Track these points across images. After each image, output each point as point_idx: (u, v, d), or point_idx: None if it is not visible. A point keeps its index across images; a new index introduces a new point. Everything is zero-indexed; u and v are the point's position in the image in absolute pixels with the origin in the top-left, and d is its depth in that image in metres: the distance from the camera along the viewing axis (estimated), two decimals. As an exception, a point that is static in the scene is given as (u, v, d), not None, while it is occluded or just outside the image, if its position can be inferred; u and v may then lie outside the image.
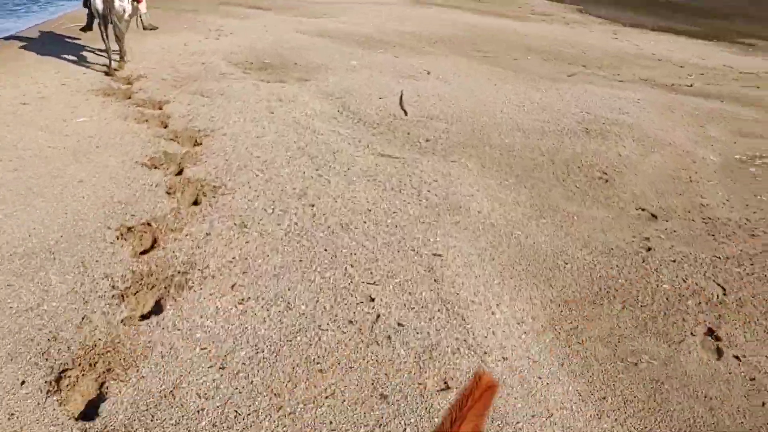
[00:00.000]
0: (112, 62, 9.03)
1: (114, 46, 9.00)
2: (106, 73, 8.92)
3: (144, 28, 11.19)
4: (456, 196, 5.20)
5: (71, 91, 7.63)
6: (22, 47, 10.67)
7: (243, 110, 7.19)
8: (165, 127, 6.51)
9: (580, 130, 7.05)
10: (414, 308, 3.76)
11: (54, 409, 2.90)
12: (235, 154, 5.79)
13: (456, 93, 8.37)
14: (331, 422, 2.90)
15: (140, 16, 10.77)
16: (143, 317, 3.60)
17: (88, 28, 9.78)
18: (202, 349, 3.31)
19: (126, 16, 9.12)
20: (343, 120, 7.06)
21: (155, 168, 5.42)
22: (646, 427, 3.08)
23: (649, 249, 4.72)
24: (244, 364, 3.22)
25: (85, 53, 10.13)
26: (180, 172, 5.36)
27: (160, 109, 7.13)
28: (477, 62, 10.46)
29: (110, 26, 8.83)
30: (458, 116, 7.38)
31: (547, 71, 10.12)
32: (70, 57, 9.77)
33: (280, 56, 10.20)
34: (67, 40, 11.39)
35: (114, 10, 8.78)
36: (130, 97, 7.58)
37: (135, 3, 9.68)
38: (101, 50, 9.52)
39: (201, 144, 6.03)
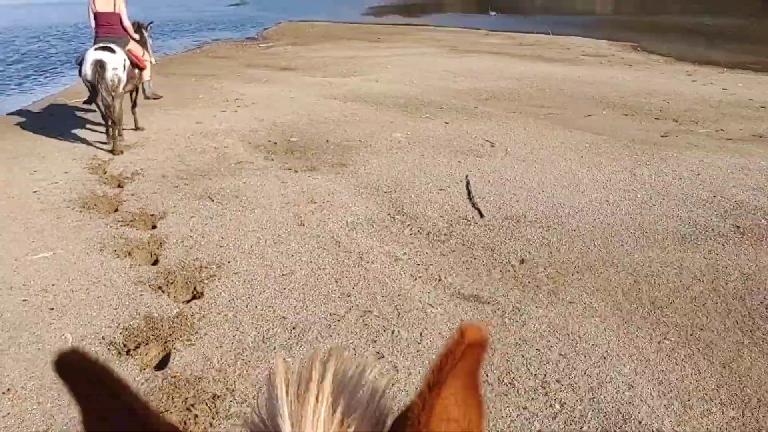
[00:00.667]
0: (110, 142, 7.59)
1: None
2: (111, 151, 7.49)
3: (146, 98, 9.53)
4: (607, 396, 3.10)
5: (41, 205, 5.79)
6: (8, 128, 9.03)
7: (263, 224, 5.25)
8: (154, 264, 4.58)
9: (729, 230, 4.95)
10: None
11: None
12: (251, 316, 3.82)
13: (537, 175, 6.35)
14: None
15: (142, 86, 9.09)
16: None
17: (90, 100, 8.00)
18: None
19: (121, 88, 7.47)
20: (397, 231, 5.07)
21: (127, 354, 3.47)
22: None
23: None
24: None
25: (81, 133, 8.45)
26: (163, 364, 3.39)
27: (153, 228, 5.23)
28: (545, 124, 8.46)
29: (104, 96, 7.18)
30: (552, 214, 5.34)
31: (635, 131, 8.07)
32: (61, 140, 8.07)
33: (308, 133, 8.33)
34: (66, 116, 9.74)
35: (104, 82, 7.11)
36: (116, 209, 5.70)
37: (136, 70, 8.01)
38: (102, 126, 7.87)
39: (201, 295, 4.08)
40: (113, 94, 7.24)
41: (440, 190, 5.99)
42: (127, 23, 7.94)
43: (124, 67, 7.47)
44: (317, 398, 0.51)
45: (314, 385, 0.51)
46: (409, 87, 11.35)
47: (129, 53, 7.80)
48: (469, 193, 5.85)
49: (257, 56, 16.65)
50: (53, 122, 9.46)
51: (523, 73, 12.34)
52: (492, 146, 7.45)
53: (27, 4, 58.52)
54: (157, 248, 4.81)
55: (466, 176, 6.29)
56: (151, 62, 8.91)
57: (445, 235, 5.00)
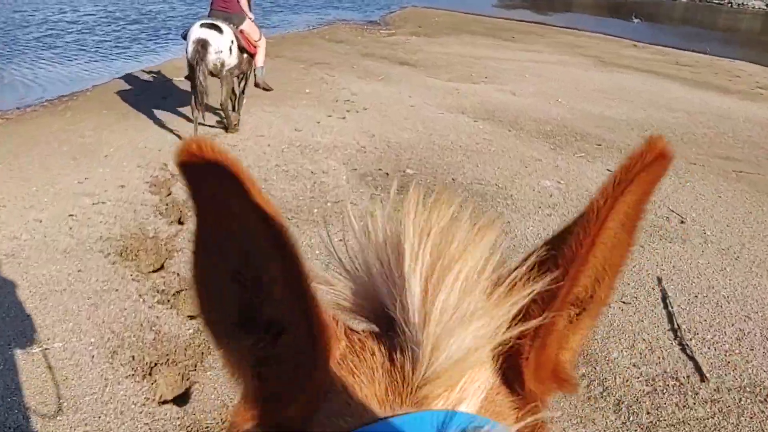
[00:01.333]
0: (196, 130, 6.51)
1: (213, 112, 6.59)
2: (225, 129, 6.78)
3: (256, 85, 7.95)
4: None
5: (68, 241, 4.20)
6: (89, 105, 7.67)
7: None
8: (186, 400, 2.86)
9: None
10: None
11: None
12: None
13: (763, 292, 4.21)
14: None
15: (254, 71, 7.48)
16: None
17: (189, 78, 6.70)
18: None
19: (225, 70, 6.40)
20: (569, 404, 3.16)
21: None
22: None
23: None
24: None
25: (165, 120, 6.95)
26: None
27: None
28: (742, 190, 6.18)
29: (200, 81, 5.93)
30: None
31: None
32: (135, 132, 6.57)
33: (430, 163, 6.42)
34: (155, 95, 8.31)
35: (204, 65, 6.11)
36: (162, 266, 4.04)
37: (244, 55, 6.72)
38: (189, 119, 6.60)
39: None
40: (220, 76, 6.35)
41: (623, 303, 3.95)
42: (245, 4, 6.86)
43: (231, 50, 6.34)
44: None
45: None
46: (553, 107, 9.22)
47: (241, 35, 6.64)
48: (670, 318, 3.79)
49: (376, 44, 14.85)
50: (139, 102, 8.03)
51: (691, 105, 9.90)
52: (682, 222, 5.30)
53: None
54: (201, 361, 3.07)
55: (659, 281, 4.22)
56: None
57: (639, 412, 2.99)
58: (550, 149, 7.19)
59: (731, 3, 41.57)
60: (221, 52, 6.20)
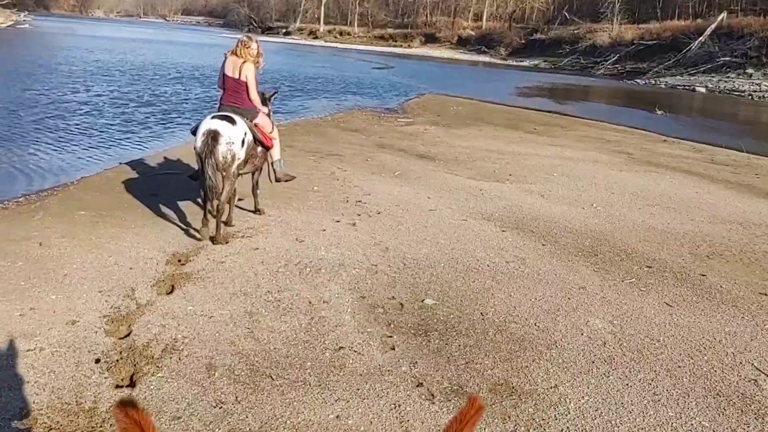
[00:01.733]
0: (202, 230, 6.00)
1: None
2: (211, 240, 5.94)
3: (277, 180, 7.11)
4: None
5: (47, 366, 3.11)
6: (72, 202, 6.71)
7: None
8: None
9: None
10: None
11: None
12: None
13: None
14: None
15: (271, 165, 6.80)
16: None
17: (195, 176, 6.47)
18: None
19: (234, 166, 5.88)
20: None
21: None
22: None
23: None
24: None
25: (153, 224, 5.94)
26: None
27: None
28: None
29: (210, 175, 5.64)
30: None
31: None
32: (110, 241, 5.55)
33: (453, 290, 5.31)
34: (146, 190, 7.37)
35: (213, 157, 5.61)
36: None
37: (259, 149, 6.43)
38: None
39: None
40: (223, 173, 5.79)
41: None
42: (255, 95, 6.38)
43: (243, 142, 5.88)
44: None
45: None
46: (590, 215, 8.16)
47: (255, 128, 6.26)
48: None
49: (393, 134, 14.06)
50: (123, 201, 7.09)
51: (745, 216, 8.79)
52: (777, 388, 4.11)
53: (186, 42, 60.58)
54: None
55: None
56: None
57: None
58: (594, 272, 6.07)
59: (752, 95, 41.17)
60: (233, 143, 5.70)
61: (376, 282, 5.36)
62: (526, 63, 69.71)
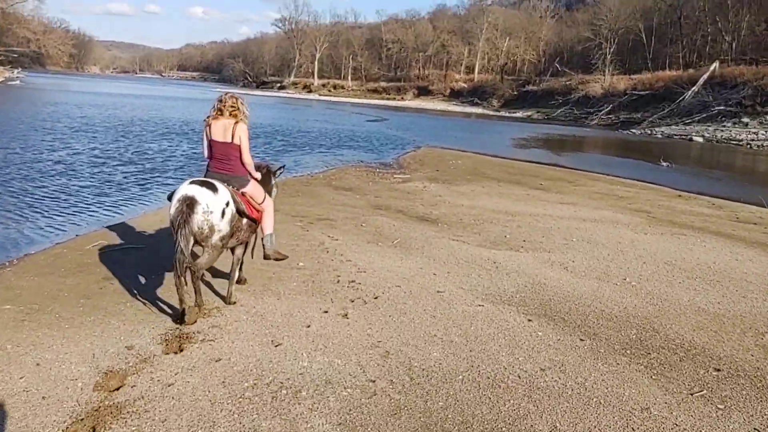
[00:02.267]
0: (182, 305, 5.04)
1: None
2: (181, 317, 5.03)
3: (266, 257, 6.25)
4: None
5: None
6: (14, 287, 5.31)
7: None
8: None
9: None
10: None
11: None
12: None
13: None
14: None
15: (261, 240, 6.15)
16: None
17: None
18: None
19: (214, 239, 5.09)
20: None
21: None
22: None
23: None
24: None
25: (76, 337, 4.52)
26: None
27: None
28: None
29: (181, 248, 4.78)
30: None
31: None
32: (25, 357, 4.14)
33: (476, 420, 3.90)
34: (100, 273, 5.99)
35: (186, 227, 4.82)
36: None
37: (244, 220, 5.51)
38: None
39: None
40: (202, 244, 5.04)
41: None
42: (248, 158, 5.62)
43: (224, 213, 5.05)
44: None
45: None
46: (626, 293, 6.82)
47: (242, 197, 5.44)
48: None
49: (389, 192, 12.81)
50: (62, 289, 5.73)
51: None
52: None
53: (179, 97, 59.95)
54: None
55: None
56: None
57: None
58: (652, 380, 4.70)
59: (750, 144, 40.42)
60: (211, 213, 4.94)
61: (375, 409, 3.97)
62: (519, 114, 69.49)
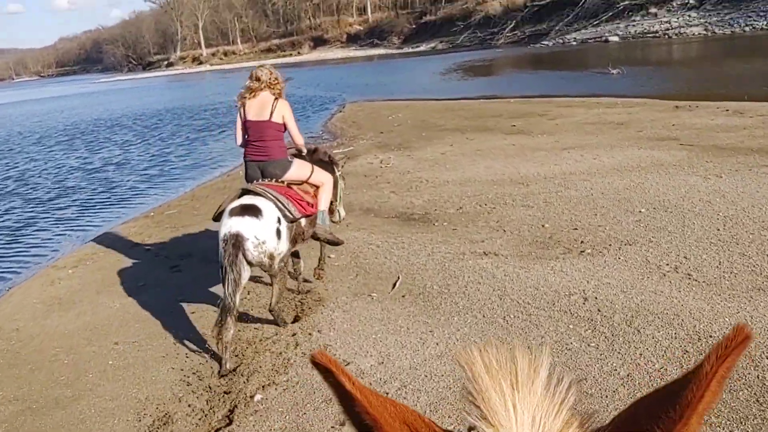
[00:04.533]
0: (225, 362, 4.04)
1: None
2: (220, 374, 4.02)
3: (314, 237, 5.00)
4: None
5: None
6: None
7: None
8: None
9: None
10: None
11: None
12: None
13: None
14: None
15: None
16: None
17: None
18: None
19: (278, 261, 4.27)
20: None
21: None
22: None
23: None
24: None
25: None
26: None
27: None
28: None
29: (229, 294, 3.98)
30: None
31: None
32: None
33: None
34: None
35: (237, 267, 4.02)
36: None
37: (303, 221, 4.58)
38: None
39: None
40: (271, 272, 4.29)
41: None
42: (299, 138, 4.93)
43: (279, 233, 4.25)
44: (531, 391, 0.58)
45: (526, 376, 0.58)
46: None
47: (290, 195, 4.47)
48: None
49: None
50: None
51: None
52: None
53: (58, 95, 53.15)
54: None
55: None
56: (339, 213, 5.52)
57: None
58: None
59: (667, 34, 38.52)
60: (264, 243, 4.15)
61: None
62: (422, 47, 65.96)
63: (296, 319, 4.68)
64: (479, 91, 21.07)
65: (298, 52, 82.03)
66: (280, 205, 4.36)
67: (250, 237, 4.09)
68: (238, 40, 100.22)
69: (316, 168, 4.91)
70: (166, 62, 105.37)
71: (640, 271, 4.79)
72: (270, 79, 4.66)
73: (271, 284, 4.46)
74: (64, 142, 19.56)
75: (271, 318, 4.57)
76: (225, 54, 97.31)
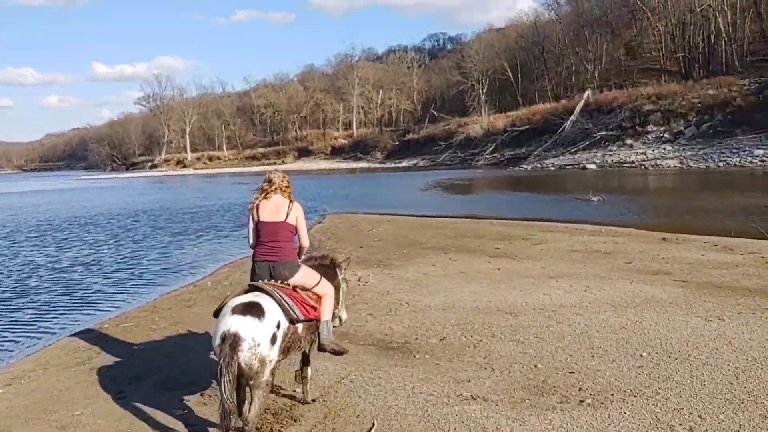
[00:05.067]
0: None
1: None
2: None
3: (320, 349, 4.83)
4: None
5: None
6: None
7: None
8: None
9: None
10: None
11: None
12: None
13: None
14: None
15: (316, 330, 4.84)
16: None
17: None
18: None
19: (267, 372, 4.10)
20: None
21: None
22: None
23: None
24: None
25: None
26: None
27: None
28: None
29: (226, 395, 3.85)
30: None
31: None
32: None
33: None
34: None
35: (230, 369, 3.89)
36: None
37: (299, 328, 4.53)
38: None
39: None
40: (249, 382, 4.06)
41: None
42: (307, 241, 4.95)
43: (275, 338, 4.13)
44: None
45: None
46: None
47: (295, 297, 4.49)
48: None
49: (314, 297, 8.58)
50: None
51: None
52: None
53: (34, 191, 52.72)
54: None
55: None
56: (341, 318, 5.36)
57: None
58: None
59: (644, 165, 39.62)
60: (259, 345, 4.02)
61: None
62: (404, 163, 67.34)
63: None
64: (460, 209, 20.99)
65: (283, 161, 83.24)
66: (285, 305, 4.36)
67: (246, 338, 4.00)
68: (224, 146, 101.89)
69: (323, 279, 4.89)
70: (150, 164, 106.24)
71: (651, 432, 4.17)
72: (282, 182, 4.80)
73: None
74: (34, 237, 18.80)
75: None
76: (210, 159, 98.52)
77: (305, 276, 4.78)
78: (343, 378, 5.48)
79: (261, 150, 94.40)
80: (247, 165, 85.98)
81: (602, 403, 4.69)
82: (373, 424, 4.52)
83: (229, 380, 3.88)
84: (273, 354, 4.12)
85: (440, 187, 32.71)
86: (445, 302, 7.88)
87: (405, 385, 5.26)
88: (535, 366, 5.54)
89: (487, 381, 5.27)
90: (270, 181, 4.80)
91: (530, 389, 5.05)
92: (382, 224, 16.31)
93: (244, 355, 3.95)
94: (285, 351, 4.37)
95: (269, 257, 4.67)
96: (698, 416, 4.37)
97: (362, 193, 31.41)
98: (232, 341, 3.93)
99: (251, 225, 4.81)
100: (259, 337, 4.02)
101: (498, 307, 7.51)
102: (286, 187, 4.81)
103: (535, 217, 17.21)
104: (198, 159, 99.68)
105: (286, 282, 4.61)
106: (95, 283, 11.39)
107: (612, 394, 4.84)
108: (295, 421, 4.62)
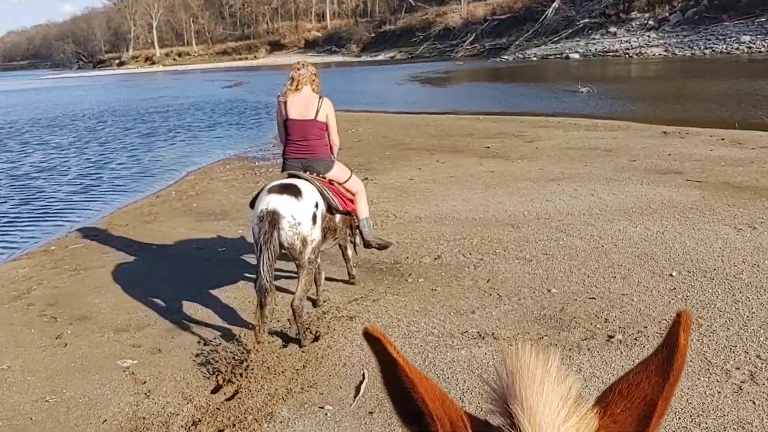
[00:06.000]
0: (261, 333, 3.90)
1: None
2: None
3: (366, 246, 4.91)
4: None
5: None
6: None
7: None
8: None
9: None
10: None
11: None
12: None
13: None
14: None
15: (356, 228, 4.86)
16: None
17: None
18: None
19: (307, 253, 4.07)
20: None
21: None
22: None
23: None
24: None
25: None
26: None
27: None
28: None
29: (264, 272, 3.80)
30: None
31: None
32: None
33: None
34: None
35: (271, 245, 3.87)
36: None
37: (337, 217, 4.49)
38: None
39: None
40: (296, 262, 4.10)
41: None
42: (337, 139, 4.84)
43: (315, 218, 4.13)
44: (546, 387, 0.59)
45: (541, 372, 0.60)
46: None
47: (330, 188, 4.44)
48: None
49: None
50: None
51: None
52: None
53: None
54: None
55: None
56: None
57: None
58: None
59: (628, 54, 38.10)
60: (299, 224, 3.99)
61: None
62: (381, 56, 64.67)
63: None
64: (443, 104, 19.76)
65: (255, 56, 79.71)
66: (324, 192, 4.30)
67: (286, 216, 3.98)
68: (194, 42, 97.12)
69: (353, 174, 4.85)
70: (117, 61, 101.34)
71: (703, 381, 3.36)
72: (312, 75, 4.61)
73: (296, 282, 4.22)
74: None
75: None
76: (179, 55, 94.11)
77: (339, 170, 4.72)
78: (324, 313, 4.59)
79: (231, 44, 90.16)
80: (218, 60, 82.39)
81: (636, 339, 3.87)
82: (363, 377, 3.67)
83: (268, 257, 3.84)
84: (315, 234, 4.09)
85: (420, 81, 31.15)
86: (437, 213, 6.94)
87: (399, 319, 4.40)
88: (549, 291, 4.70)
89: (494, 311, 4.42)
90: (298, 73, 4.58)
91: (546, 321, 4.21)
92: (362, 123, 15.11)
93: (286, 234, 3.94)
94: (324, 234, 4.30)
95: (302, 155, 4.57)
96: (756, 356, 3.58)
97: (338, 88, 29.80)
98: (271, 218, 3.90)
99: (280, 120, 4.67)
100: (299, 215, 4.00)
101: (497, 218, 6.59)
102: (314, 78, 4.63)
103: (524, 111, 16.09)
104: (167, 55, 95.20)
105: (321, 176, 4.52)
106: (57, 191, 10.30)
107: (645, 327, 4.02)
108: (266, 377, 3.73)
